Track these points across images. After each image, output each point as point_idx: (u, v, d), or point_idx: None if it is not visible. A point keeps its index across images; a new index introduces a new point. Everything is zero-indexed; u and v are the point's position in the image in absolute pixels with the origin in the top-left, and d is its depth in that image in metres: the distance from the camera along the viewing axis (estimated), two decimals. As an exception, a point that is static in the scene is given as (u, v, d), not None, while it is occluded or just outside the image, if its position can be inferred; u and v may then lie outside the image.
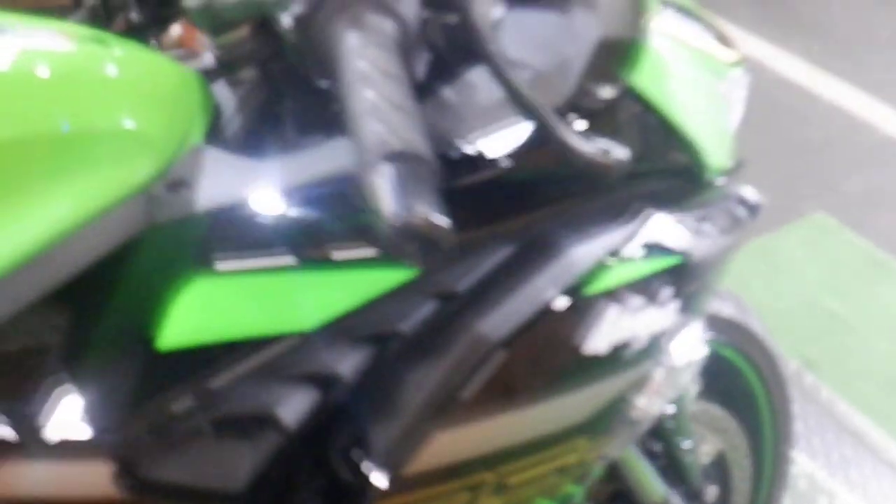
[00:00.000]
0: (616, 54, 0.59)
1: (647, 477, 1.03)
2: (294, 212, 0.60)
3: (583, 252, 0.70)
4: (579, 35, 0.58)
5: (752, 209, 0.93)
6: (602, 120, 0.67)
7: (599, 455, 0.80)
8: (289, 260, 0.59)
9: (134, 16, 0.78)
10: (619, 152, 0.55)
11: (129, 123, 0.55)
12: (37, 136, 0.52)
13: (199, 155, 0.60)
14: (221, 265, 0.57)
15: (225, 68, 0.70)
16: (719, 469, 1.24)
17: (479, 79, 0.67)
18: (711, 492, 1.15)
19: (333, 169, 0.62)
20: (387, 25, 0.54)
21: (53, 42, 0.58)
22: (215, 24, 0.65)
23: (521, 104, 0.58)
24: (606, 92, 0.60)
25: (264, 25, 0.66)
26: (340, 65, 0.52)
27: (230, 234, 0.58)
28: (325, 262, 0.60)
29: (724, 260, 0.88)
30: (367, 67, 0.50)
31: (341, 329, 0.60)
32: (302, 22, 0.55)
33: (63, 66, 0.56)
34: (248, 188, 0.59)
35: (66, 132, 0.53)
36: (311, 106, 0.68)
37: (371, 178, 0.45)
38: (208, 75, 0.70)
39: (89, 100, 0.55)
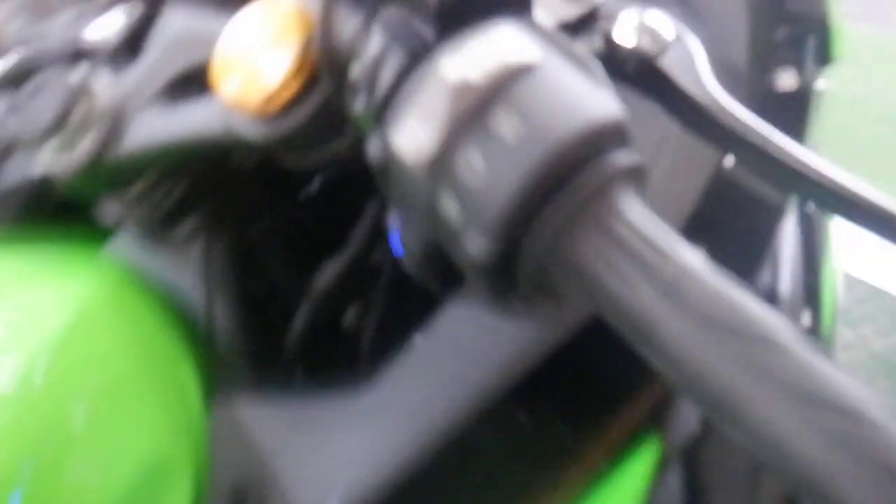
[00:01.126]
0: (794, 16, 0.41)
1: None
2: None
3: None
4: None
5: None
6: (796, 116, 0.42)
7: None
8: None
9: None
10: None
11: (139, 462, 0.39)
12: None
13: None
14: None
15: (156, 232, 0.48)
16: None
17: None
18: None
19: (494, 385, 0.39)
20: (642, 208, 0.27)
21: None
22: (111, 183, 0.45)
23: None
24: (788, 78, 0.40)
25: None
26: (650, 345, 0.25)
27: None
28: None
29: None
30: (704, 343, 0.24)
31: None
32: (509, 256, 0.28)
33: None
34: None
35: None
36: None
37: None
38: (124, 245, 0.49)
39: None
